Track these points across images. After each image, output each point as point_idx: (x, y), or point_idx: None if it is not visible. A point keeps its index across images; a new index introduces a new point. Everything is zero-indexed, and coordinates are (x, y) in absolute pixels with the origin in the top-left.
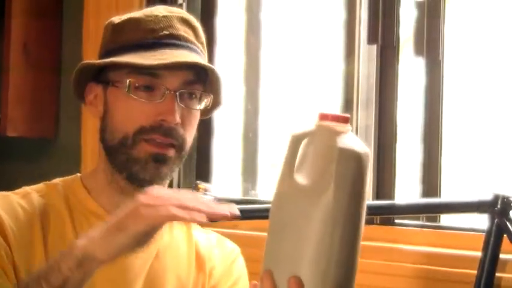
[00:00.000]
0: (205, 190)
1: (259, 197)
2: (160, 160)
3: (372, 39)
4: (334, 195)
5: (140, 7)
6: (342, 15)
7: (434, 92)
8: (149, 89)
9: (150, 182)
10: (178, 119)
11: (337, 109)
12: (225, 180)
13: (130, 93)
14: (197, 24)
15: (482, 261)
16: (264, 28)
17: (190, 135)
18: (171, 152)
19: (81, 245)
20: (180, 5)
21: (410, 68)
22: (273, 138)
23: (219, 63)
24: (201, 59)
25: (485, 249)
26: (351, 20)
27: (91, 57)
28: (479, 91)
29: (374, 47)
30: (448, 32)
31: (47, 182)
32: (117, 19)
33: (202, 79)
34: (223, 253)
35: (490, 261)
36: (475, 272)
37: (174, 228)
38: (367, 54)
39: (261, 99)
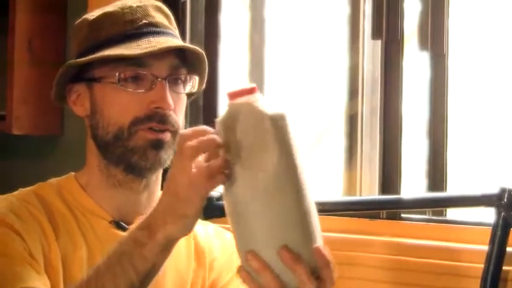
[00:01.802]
0: None
1: None
2: (159, 146)
3: (376, 33)
4: (282, 159)
5: None
6: (346, 10)
7: (439, 86)
8: (137, 79)
9: (150, 170)
10: (171, 103)
11: (341, 106)
12: None
13: (121, 85)
14: (168, 11)
15: (489, 254)
16: (267, 25)
17: (181, 120)
18: (168, 137)
19: (159, 231)
20: (184, 2)
21: (415, 62)
22: None
23: (223, 61)
24: (182, 42)
25: (492, 243)
26: (355, 15)
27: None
28: (484, 84)
29: (378, 42)
30: (453, 25)
31: (41, 183)
32: (90, 16)
33: (185, 62)
34: (223, 244)
35: (497, 255)
36: (482, 265)
37: None
38: (371, 49)
39: (266, 96)
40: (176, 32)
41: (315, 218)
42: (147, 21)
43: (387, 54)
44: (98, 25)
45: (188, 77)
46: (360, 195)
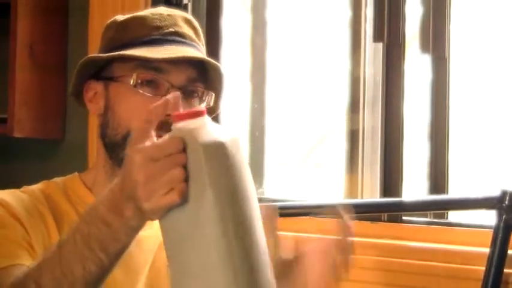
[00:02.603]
0: None
1: (266, 196)
2: None
3: (377, 37)
4: (214, 194)
5: (146, 6)
6: (347, 13)
7: (440, 89)
8: (153, 84)
9: None
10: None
11: (342, 109)
12: None
13: (137, 87)
14: (198, 25)
15: (491, 257)
16: (269, 27)
17: None
18: None
19: (128, 213)
20: (186, 5)
21: (417, 66)
22: (279, 137)
23: (225, 63)
24: (204, 55)
25: (493, 246)
26: (356, 18)
27: None
28: (485, 87)
29: (380, 45)
30: (454, 28)
31: (46, 181)
32: (121, 17)
33: (204, 78)
34: None
35: (498, 258)
36: (483, 268)
37: None
38: (373, 52)
39: (267, 98)
40: (202, 47)
41: (250, 262)
42: (173, 30)
43: (389, 57)
44: (125, 26)
45: (204, 92)
46: (361, 198)
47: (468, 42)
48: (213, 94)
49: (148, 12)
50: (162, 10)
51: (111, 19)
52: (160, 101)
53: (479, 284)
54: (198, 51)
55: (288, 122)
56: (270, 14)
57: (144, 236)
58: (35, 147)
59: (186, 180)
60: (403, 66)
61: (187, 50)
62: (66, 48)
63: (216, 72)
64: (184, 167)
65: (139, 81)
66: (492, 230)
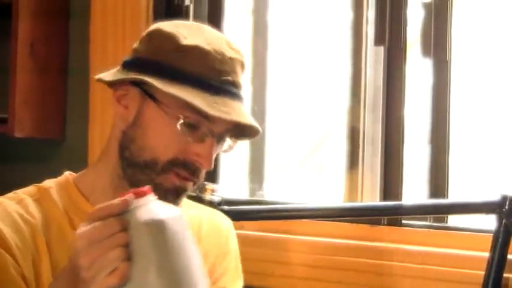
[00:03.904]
0: (213, 191)
1: (266, 198)
2: (180, 193)
3: (379, 40)
4: (156, 271)
5: (147, 8)
6: (348, 16)
7: (441, 93)
8: (194, 126)
9: None
10: (212, 165)
11: (343, 112)
12: (232, 181)
13: (179, 128)
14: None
15: (490, 261)
16: (270, 30)
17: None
18: (191, 186)
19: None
20: (187, 7)
21: (418, 69)
22: (280, 140)
23: None
24: (248, 113)
25: (493, 250)
26: (357, 21)
27: (98, 59)
28: (486, 91)
29: (381, 48)
30: (455, 32)
31: (38, 184)
32: (182, 37)
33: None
34: (217, 234)
35: (498, 262)
36: (482, 272)
37: None
38: (374, 56)
39: (268, 101)
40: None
41: None
42: (231, 79)
43: (390, 60)
44: (185, 53)
45: (233, 141)
46: (361, 201)
47: (469, 45)
48: (237, 142)
49: (211, 47)
50: (224, 46)
51: (164, 27)
52: (117, 201)
53: None
54: (243, 103)
55: (288, 125)
56: (271, 17)
57: None
58: (35, 147)
59: (130, 258)
60: (404, 69)
61: (239, 109)
62: (67, 49)
63: (255, 133)
64: (128, 246)
65: (181, 120)
66: (492, 234)
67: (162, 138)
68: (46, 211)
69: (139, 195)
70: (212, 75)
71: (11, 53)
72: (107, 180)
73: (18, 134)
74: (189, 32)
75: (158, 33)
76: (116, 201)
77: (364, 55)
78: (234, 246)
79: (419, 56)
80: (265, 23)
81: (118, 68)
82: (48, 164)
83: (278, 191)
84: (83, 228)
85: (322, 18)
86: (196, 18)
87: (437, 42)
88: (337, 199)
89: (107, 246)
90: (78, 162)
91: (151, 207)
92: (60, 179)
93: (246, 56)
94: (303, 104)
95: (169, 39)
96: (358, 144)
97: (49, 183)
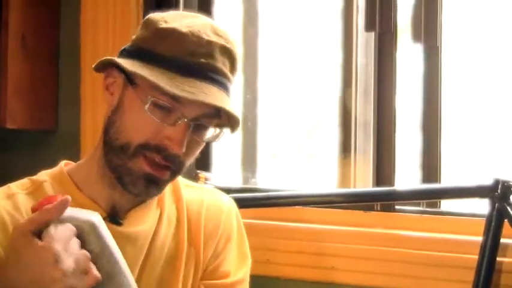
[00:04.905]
0: (206, 179)
1: (259, 186)
2: (152, 181)
3: (369, 26)
4: (116, 263)
5: None
6: (339, 2)
7: (432, 78)
8: (166, 109)
9: (137, 195)
10: (184, 150)
11: (334, 99)
12: (225, 170)
13: (147, 110)
14: (237, 54)
15: (483, 246)
16: (261, 18)
17: (189, 161)
18: (166, 175)
19: None
20: None
21: (408, 55)
22: (272, 127)
23: None
24: (228, 99)
25: (486, 234)
26: (348, 7)
27: (89, 48)
28: (478, 76)
29: (372, 34)
30: (446, 17)
31: (32, 177)
32: (162, 22)
33: (220, 113)
34: (218, 217)
35: (491, 246)
36: (476, 257)
37: (164, 208)
38: (365, 42)
39: (260, 89)
40: (232, 78)
41: None
42: (205, 61)
43: (380, 46)
44: (162, 37)
45: (215, 126)
46: (354, 188)
47: (460, 30)
48: (224, 130)
49: (189, 29)
50: (205, 31)
51: (153, 17)
52: (52, 206)
53: (473, 272)
54: (224, 90)
55: (280, 113)
56: (262, 5)
57: (136, 231)
58: (27, 138)
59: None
60: (395, 55)
61: (212, 93)
62: (58, 38)
63: (233, 118)
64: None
65: (154, 103)
66: (485, 218)
67: (136, 122)
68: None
69: (50, 201)
70: (186, 57)
71: (1, 43)
72: (97, 170)
73: (10, 126)
74: (175, 18)
75: (146, 20)
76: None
77: (355, 41)
78: (237, 226)
79: (410, 42)
80: (256, 11)
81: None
82: (41, 154)
83: (271, 179)
84: (41, 243)
85: (313, 5)
86: (187, 6)
87: (427, 28)
88: (330, 186)
89: (73, 255)
90: (71, 152)
91: (75, 213)
92: (54, 170)
93: (237, 45)
94: (295, 91)
95: (152, 24)
96: (350, 131)
97: (43, 175)
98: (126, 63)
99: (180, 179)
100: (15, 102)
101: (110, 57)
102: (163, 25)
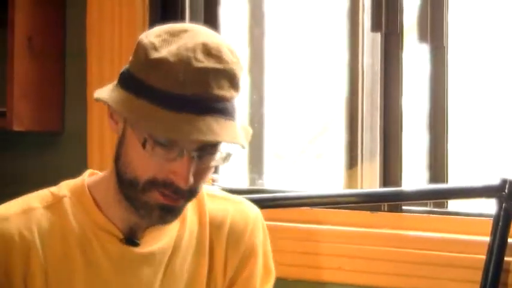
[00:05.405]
0: (213, 181)
1: (266, 187)
2: (167, 210)
3: (375, 26)
4: None
5: None
6: (345, 2)
7: (439, 78)
8: (166, 146)
9: (153, 225)
10: (191, 181)
11: (341, 100)
12: (231, 171)
13: (146, 149)
14: (236, 69)
15: (491, 246)
16: (267, 18)
17: (202, 184)
18: (180, 202)
19: None
20: None
21: (415, 55)
22: (278, 128)
23: None
24: (229, 123)
25: (493, 234)
26: (354, 8)
27: (95, 48)
28: (484, 76)
29: (378, 35)
30: (452, 17)
31: (53, 190)
32: (152, 50)
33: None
34: (240, 232)
35: (499, 246)
36: (483, 257)
37: (185, 222)
38: (371, 42)
39: (266, 89)
40: (235, 95)
41: None
42: (199, 92)
43: (387, 47)
44: (152, 67)
45: (220, 153)
46: (361, 188)
47: (466, 31)
48: (231, 154)
49: (177, 57)
50: (196, 54)
51: (145, 40)
52: None
53: (480, 272)
54: (223, 115)
55: (287, 113)
56: (268, 5)
57: (153, 250)
58: (34, 140)
59: None
60: (401, 55)
61: (208, 125)
62: (64, 39)
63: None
64: None
65: (151, 141)
66: (492, 218)
67: (139, 159)
68: (54, 223)
69: None
70: (177, 89)
71: (8, 44)
72: (114, 194)
73: (17, 128)
74: (166, 41)
75: (138, 44)
76: None
77: (361, 42)
78: (263, 240)
79: (416, 42)
80: (262, 11)
81: (115, 81)
82: (48, 156)
83: (278, 180)
84: None
85: (319, 5)
86: (193, 7)
87: (434, 28)
88: (337, 187)
89: None
90: (78, 153)
91: None
92: (77, 183)
93: (235, 57)
94: (301, 92)
95: (143, 51)
96: (357, 131)
97: (65, 189)
98: (120, 103)
99: (204, 188)
100: (21, 104)
101: (105, 98)
102: (154, 55)
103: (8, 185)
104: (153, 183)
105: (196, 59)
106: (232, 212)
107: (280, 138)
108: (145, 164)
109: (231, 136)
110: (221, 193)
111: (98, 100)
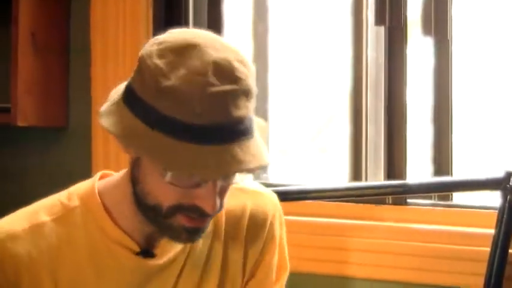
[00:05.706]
0: None
1: (270, 181)
2: (195, 232)
3: (379, 20)
4: None
5: None
6: None
7: (443, 72)
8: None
9: (182, 243)
10: (217, 206)
11: (345, 94)
12: None
13: (169, 181)
14: (248, 81)
15: (496, 238)
16: (271, 13)
17: (226, 199)
18: (207, 222)
19: None
20: None
21: (419, 48)
22: (282, 124)
23: None
24: (250, 142)
25: (498, 227)
26: (358, 2)
27: (99, 43)
28: (488, 69)
29: (382, 28)
30: (456, 10)
31: (63, 200)
32: (161, 76)
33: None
34: (259, 226)
35: (503, 238)
36: (488, 249)
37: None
38: (375, 36)
39: (270, 85)
40: (252, 103)
41: None
42: (217, 121)
43: (391, 40)
44: (164, 94)
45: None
46: (366, 181)
47: (470, 24)
48: (252, 169)
49: (190, 84)
50: (208, 78)
51: (148, 60)
52: None
53: (485, 265)
54: (243, 135)
55: (291, 108)
56: (272, 0)
57: (169, 259)
58: (38, 136)
59: None
60: (405, 49)
61: (228, 156)
62: (68, 34)
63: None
64: None
65: (166, 176)
66: (497, 211)
67: (159, 188)
68: (64, 239)
69: None
70: (193, 119)
71: (12, 40)
72: (129, 206)
73: (21, 123)
74: (172, 63)
75: (142, 64)
76: None
77: (365, 36)
78: (280, 234)
79: (420, 36)
80: (265, 7)
81: (118, 99)
82: (52, 152)
83: (282, 174)
84: None
85: (322, 0)
86: (197, 3)
87: (438, 22)
88: (342, 180)
89: None
90: (83, 149)
91: None
92: (87, 190)
93: (246, 68)
94: (306, 86)
95: (151, 77)
96: (362, 125)
97: (75, 198)
98: (135, 139)
99: None
100: (25, 99)
101: (117, 131)
102: (164, 83)
103: (12, 180)
104: (177, 208)
105: (210, 83)
106: (250, 205)
107: (284, 133)
108: (167, 192)
109: (257, 161)
110: (237, 185)
111: (109, 132)
